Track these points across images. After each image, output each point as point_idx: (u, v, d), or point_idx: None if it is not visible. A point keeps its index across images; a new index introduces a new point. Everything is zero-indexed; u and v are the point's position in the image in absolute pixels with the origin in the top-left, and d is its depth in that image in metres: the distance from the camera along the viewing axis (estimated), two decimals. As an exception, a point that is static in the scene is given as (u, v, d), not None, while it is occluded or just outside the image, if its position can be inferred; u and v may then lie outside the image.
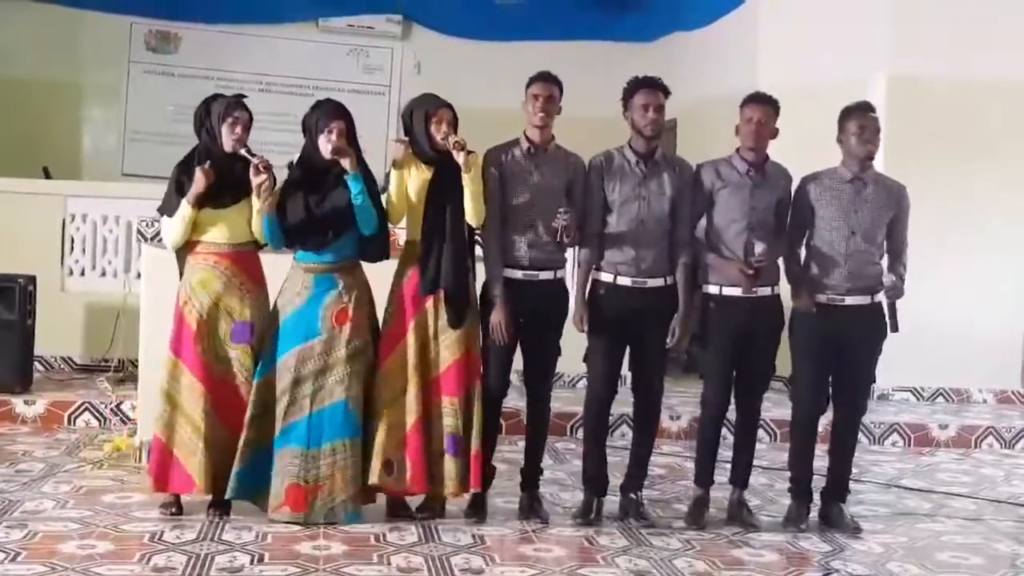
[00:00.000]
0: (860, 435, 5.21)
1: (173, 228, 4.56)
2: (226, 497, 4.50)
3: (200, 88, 9.85)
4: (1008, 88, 7.95)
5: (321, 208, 4.52)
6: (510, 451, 5.60)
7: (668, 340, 4.68)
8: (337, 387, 4.52)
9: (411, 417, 4.54)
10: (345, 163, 4.49)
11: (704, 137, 7.48)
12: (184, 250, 4.63)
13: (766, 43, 8.52)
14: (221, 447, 4.50)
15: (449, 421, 4.56)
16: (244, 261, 4.64)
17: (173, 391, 4.54)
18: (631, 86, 4.74)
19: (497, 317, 4.58)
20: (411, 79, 10.68)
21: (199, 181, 4.47)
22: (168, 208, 4.59)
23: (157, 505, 4.60)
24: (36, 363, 6.97)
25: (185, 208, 4.49)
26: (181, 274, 4.64)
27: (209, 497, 4.57)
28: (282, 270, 4.67)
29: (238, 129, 4.56)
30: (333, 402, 4.52)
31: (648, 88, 4.69)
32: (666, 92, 4.73)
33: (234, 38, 10.55)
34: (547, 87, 4.65)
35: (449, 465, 4.56)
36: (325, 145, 4.50)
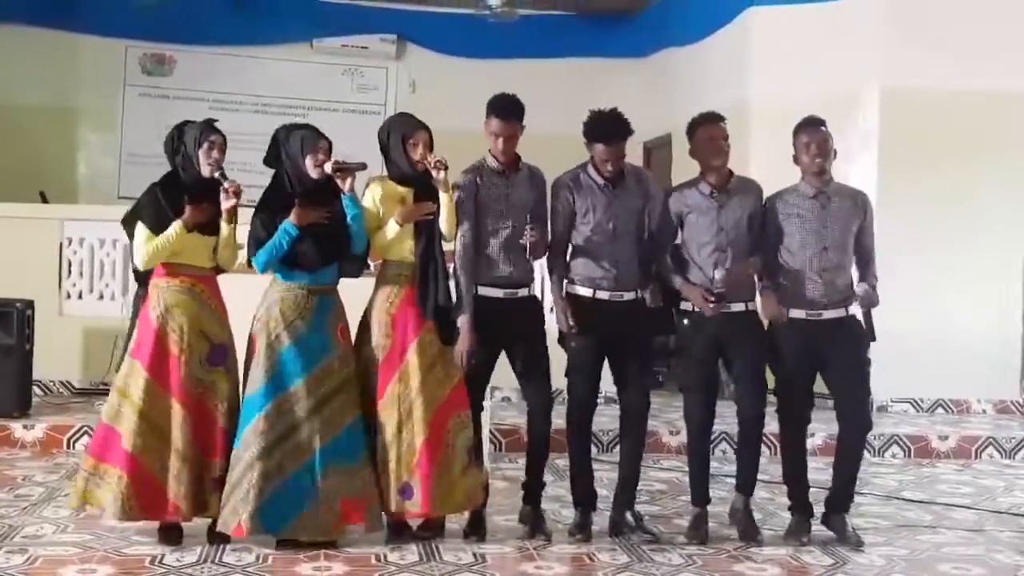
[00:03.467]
0: (864, 449, 5.20)
1: (159, 247, 4.45)
2: (251, 533, 4.35)
3: (195, 110, 9.90)
4: (1002, 98, 7.99)
5: (329, 228, 4.51)
6: (510, 468, 5.60)
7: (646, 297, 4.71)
8: (355, 403, 4.54)
9: (420, 438, 4.52)
10: (345, 184, 4.50)
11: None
12: (149, 271, 4.55)
13: (758, 57, 8.57)
14: (197, 471, 4.44)
15: (468, 433, 4.58)
16: (212, 283, 4.64)
17: (152, 414, 4.43)
18: (589, 129, 4.68)
19: (463, 345, 4.57)
20: (406, 98, 10.73)
21: (199, 213, 4.45)
22: (148, 216, 4.46)
23: (155, 530, 4.54)
24: (35, 387, 6.99)
25: (178, 230, 4.43)
26: (142, 293, 4.58)
27: (229, 526, 4.41)
28: (241, 292, 4.65)
29: (215, 153, 4.55)
30: (355, 418, 4.53)
31: (604, 143, 4.64)
32: (626, 135, 4.67)
33: (228, 59, 10.61)
34: (508, 126, 4.63)
35: (473, 478, 4.58)
36: (313, 166, 4.50)
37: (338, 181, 4.51)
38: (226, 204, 4.48)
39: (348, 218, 4.51)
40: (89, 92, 10.37)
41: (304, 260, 4.51)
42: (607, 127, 4.67)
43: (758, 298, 4.84)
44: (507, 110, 4.66)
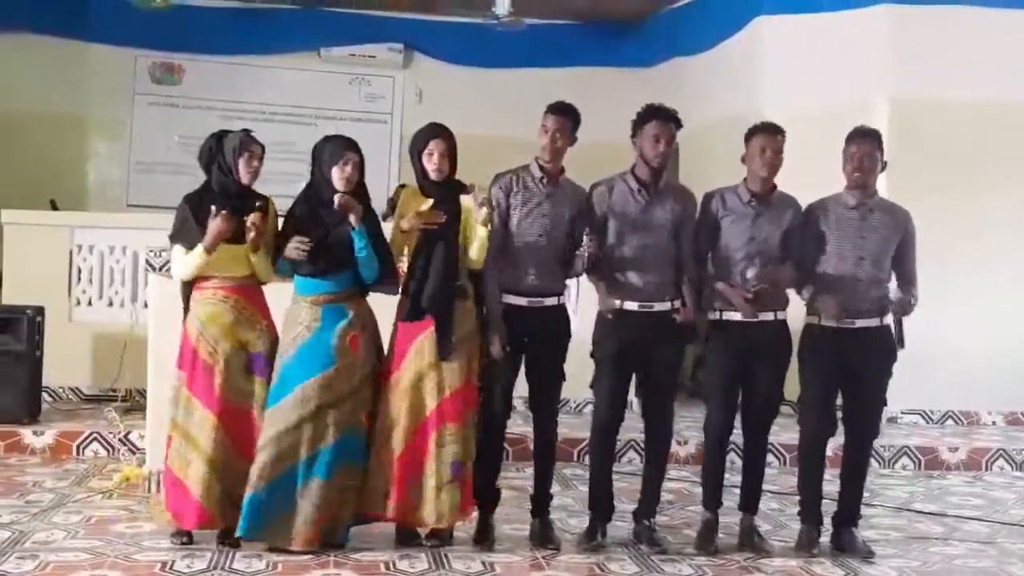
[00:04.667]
0: (870, 459, 5.19)
1: (187, 265, 4.53)
2: (240, 535, 4.43)
3: (204, 118, 9.94)
4: (1011, 109, 7.98)
5: (333, 237, 4.52)
6: (518, 478, 5.59)
7: (678, 315, 4.65)
8: (356, 414, 4.54)
9: (396, 453, 4.53)
10: (351, 218, 4.49)
11: (707, 162, 7.53)
12: (190, 283, 4.62)
13: (768, 68, 8.57)
14: (236, 479, 4.46)
15: (455, 448, 4.54)
16: (251, 294, 4.63)
17: (187, 427, 4.51)
18: (644, 114, 4.72)
19: (496, 351, 4.56)
20: (413, 107, 10.76)
21: (220, 230, 4.44)
22: (182, 238, 4.55)
23: (168, 535, 4.58)
24: (44, 394, 6.99)
25: (201, 255, 4.47)
26: (186, 307, 4.63)
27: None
28: (284, 301, 4.66)
29: (255, 163, 4.58)
30: (353, 428, 4.53)
31: (661, 120, 4.68)
32: (678, 124, 4.71)
33: (237, 69, 10.63)
34: (558, 120, 4.65)
35: (452, 493, 4.54)
36: (339, 178, 4.52)
37: (349, 218, 4.49)
38: (250, 236, 4.48)
39: (356, 250, 4.51)
40: (99, 101, 10.39)
41: (302, 268, 4.53)
42: (661, 109, 4.68)
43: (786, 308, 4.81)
44: (561, 107, 4.67)
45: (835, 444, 4.90)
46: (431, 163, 4.57)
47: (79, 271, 7.68)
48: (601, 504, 4.80)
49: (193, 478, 4.47)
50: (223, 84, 10.52)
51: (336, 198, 4.46)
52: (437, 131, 4.60)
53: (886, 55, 8.03)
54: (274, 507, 4.42)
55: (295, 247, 4.47)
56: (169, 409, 4.59)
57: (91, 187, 10.47)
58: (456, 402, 4.55)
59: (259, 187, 4.65)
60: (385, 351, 4.66)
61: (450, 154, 4.58)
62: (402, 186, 4.80)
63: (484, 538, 4.69)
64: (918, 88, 7.88)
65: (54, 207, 8.90)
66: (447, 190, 4.60)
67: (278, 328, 4.63)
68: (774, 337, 4.76)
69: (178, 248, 4.58)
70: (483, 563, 4.47)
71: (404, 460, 4.52)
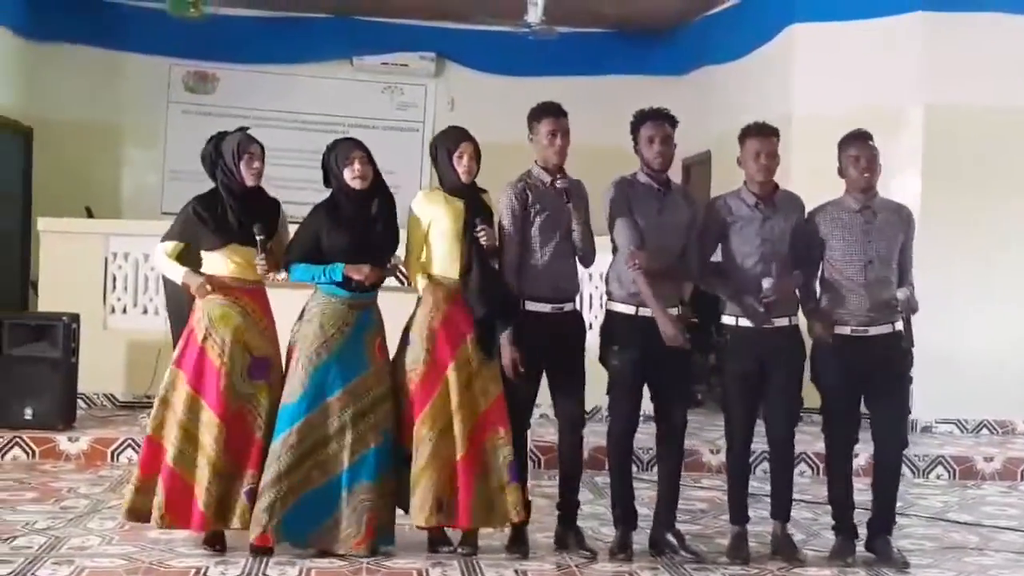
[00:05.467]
0: (904, 468, 5.15)
1: (167, 271, 4.70)
2: (275, 543, 4.46)
3: (237, 127, 9.99)
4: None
5: (371, 246, 4.58)
6: (551, 486, 5.57)
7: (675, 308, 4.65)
8: (389, 417, 4.57)
9: (460, 452, 4.53)
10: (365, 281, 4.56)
11: (738, 169, 7.49)
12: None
13: (800, 75, 8.51)
14: (228, 483, 4.49)
15: (506, 451, 4.57)
16: (259, 297, 4.68)
17: (191, 427, 4.52)
18: (636, 120, 4.73)
19: (511, 356, 4.56)
20: (444, 116, 10.76)
21: (199, 289, 4.57)
22: (193, 239, 4.62)
23: (201, 541, 4.59)
24: (79, 400, 7.05)
25: (178, 277, 4.59)
26: (188, 306, 4.67)
27: (252, 535, 4.51)
28: (284, 303, 4.71)
29: (256, 163, 4.61)
30: (387, 432, 4.57)
31: (653, 121, 4.69)
32: (672, 123, 4.72)
33: (270, 77, 10.70)
34: (560, 122, 4.67)
35: (513, 494, 4.56)
36: (352, 177, 4.56)
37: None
38: (260, 269, 4.55)
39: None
40: (133, 109, 10.50)
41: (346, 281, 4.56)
42: (651, 111, 4.72)
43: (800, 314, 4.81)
44: (556, 108, 4.70)
45: (868, 453, 4.87)
46: (462, 165, 4.61)
47: (114, 279, 7.75)
48: (625, 512, 4.77)
49: (199, 480, 4.48)
50: (256, 92, 10.58)
51: (354, 276, 4.52)
52: (467, 134, 4.67)
53: (919, 62, 7.97)
54: (313, 514, 4.46)
55: (365, 275, 4.53)
56: (155, 408, 4.59)
57: (126, 195, 10.58)
58: (500, 406, 4.58)
59: (291, 195, 4.68)
60: (395, 355, 4.69)
61: (477, 157, 4.65)
62: None
63: (517, 546, 4.68)
64: (951, 95, 7.82)
65: (89, 215, 9.01)
66: (474, 192, 4.63)
67: (278, 332, 4.66)
68: (789, 342, 4.74)
69: (166, 245, 4.65)
70: (516, 571, 4.47)
71: (466, 464, 4.52)
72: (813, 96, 8.23)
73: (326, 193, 4.72)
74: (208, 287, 4.56)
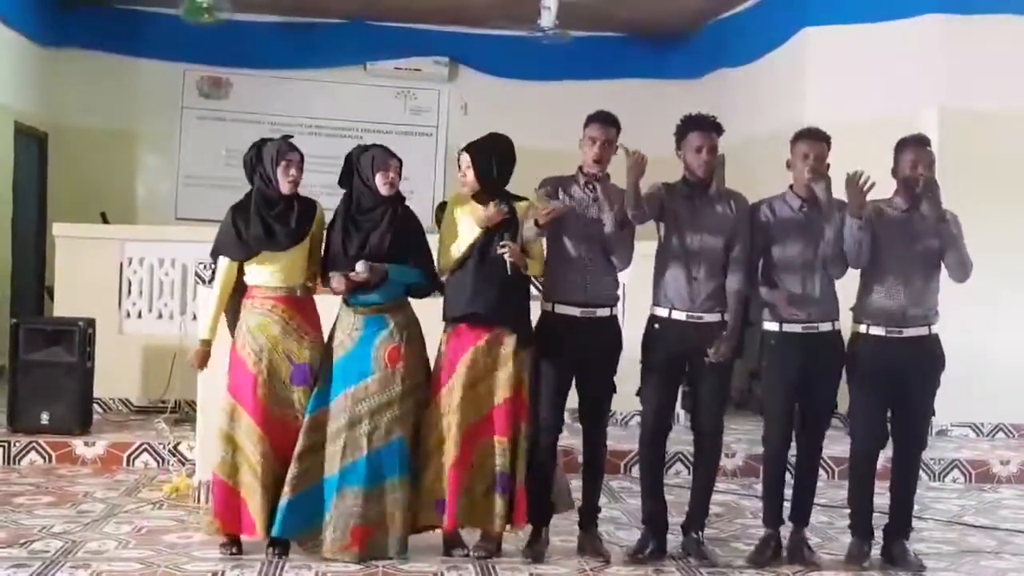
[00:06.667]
0: (920, 471, 5.13)
1: (210, 304, 4.74)
2: (273, 535, 4.50)
3: (251, 132, 9.95)
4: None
5: (371, 246, 4.58)
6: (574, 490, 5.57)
7: (711, 353, 4.58)
8: (394, 425, 4.56)
9: (449, 461, 4.55)
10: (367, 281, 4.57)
11: (753, 173, 7.46)
12: (239, 293, 4.69)
13: (814, 78, 8.50)
14: (276, 488, 4.52)
15: (500, 460, 4.57)
16: (299, 304, 4.69)
17: (233, 434, 4.58)
18: (683, 126, 4.71)
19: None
20: (458, 120, 10.80)
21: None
22: (226, 249, 4.65)
23: (217, 545, 4.62)
24: (95, 405, 7.07)
25: (216, 308, 4.66)
26: (232, 320, 4.70)
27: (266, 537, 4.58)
28: (334, 309, 4.73)
29: (292, 171, 4.63)
30: (389, 441, 4.56)
31: (701, 130, 4.67)
32: (719, 131, 4.71)
33: (283, 82, 10.75)
34: (605, 130, 4.66)
35: (498, 503, 4.57)
36: (383, 183, 4.59)
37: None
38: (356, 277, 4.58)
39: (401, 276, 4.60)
40: (148, 115, 10.56)
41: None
42: (699, 118, 4.69)
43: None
44: (605, 116, 4.68)
45: (884, 456, 4.85)
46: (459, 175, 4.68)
47: (129, 283, 7.77)
48: (652, 516, 4.76)
49: (244, 484, 4.54)
50: (270, 98, 10.63)
51: (356, 273, 4.52)
52: (472, 145, 4.70)
53: (935, 65, 7.94)
54: (307, 513, 4.50)
55: (336, 285, 4.55)
56: (221, 417, 4.65)
57: (141, 200, 10.64)
58: (505, 413, 4.56)
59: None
60: (431, 361, 4.69)
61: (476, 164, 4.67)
62: (443, 204, 4.86)
63: (534, 549, 4.67)
64: (968, 98, 7.78)
65: (105, 220, 9.05)
66: (503, 196, 4.64)
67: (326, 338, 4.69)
68: (831, 348, 4.72)
69: (222, 260, 4.68)
70: (531, 575, 4.46)
71: (456, 468, 4.54)
72: (827, 100, 8.19)
73: (338, 198, 4.74)
74: (195, 363, 4.75)
